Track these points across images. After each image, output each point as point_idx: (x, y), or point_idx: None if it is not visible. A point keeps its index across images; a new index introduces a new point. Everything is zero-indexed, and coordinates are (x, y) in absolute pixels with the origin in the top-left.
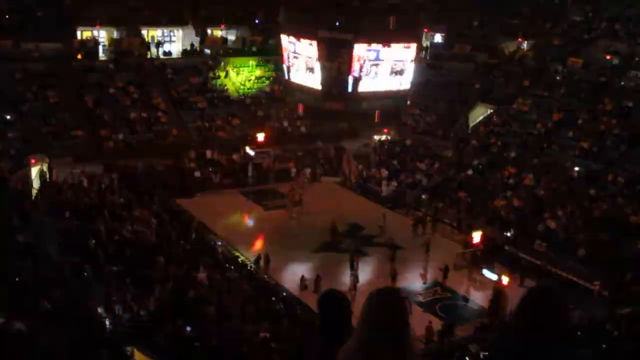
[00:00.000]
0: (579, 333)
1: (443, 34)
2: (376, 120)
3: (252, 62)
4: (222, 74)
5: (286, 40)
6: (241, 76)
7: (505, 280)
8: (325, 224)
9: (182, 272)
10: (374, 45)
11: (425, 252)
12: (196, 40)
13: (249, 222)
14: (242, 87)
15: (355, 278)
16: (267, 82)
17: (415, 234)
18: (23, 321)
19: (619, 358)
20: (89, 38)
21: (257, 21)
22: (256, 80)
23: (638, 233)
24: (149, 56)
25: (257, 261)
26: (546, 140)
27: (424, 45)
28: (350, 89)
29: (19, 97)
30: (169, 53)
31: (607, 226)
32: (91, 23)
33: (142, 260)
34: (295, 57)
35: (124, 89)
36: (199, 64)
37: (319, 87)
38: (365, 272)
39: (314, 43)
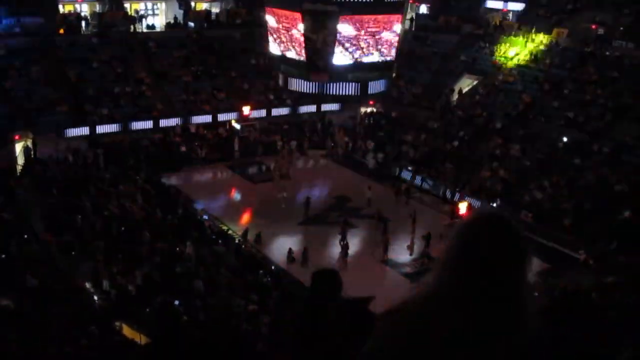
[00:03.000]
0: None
1: (428, 5)
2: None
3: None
4: None
5: (270, 13)
6: None
7: None
8: (311, 197)
9: (168, 246)
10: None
11: (411, 223)
12: (180, 14)
13: (236, 195)
14: None
15: (345, 248)
16: (252, 55)
17: (399, 205)
18: (10, 298)
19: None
20: (71, 12)
21: None
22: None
23: (622, 202)
24: (132, 30)
25: (244, 234)
26: (532, 111)
27: (409, 16)
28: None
29: (1, 73)
30: (153, 26)
31: (592, 195)
32: None
33: (128, 235)
34: (279, 29)
35: (107, 63)
36: (183, 38)
37: (303, 58)
38: (354, 244)
39: (298, 15)
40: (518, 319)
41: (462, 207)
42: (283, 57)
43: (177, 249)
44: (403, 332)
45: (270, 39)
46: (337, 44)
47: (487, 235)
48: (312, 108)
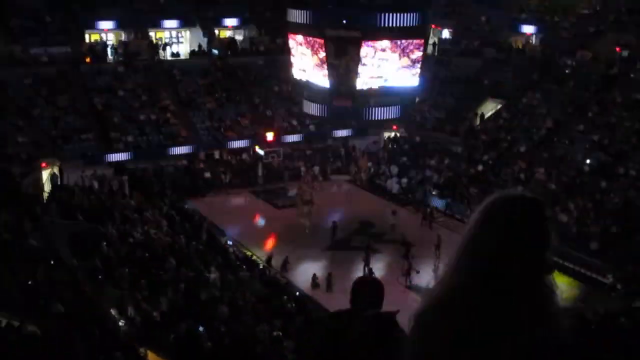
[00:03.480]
0: (592, 327)
1: (450, 30)
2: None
3: None
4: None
5: (293, 39)
6: None
7: None
8: (335, 222)
9: (193, 273)
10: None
11: (435, 249)
12: (204, 41)
13: (260, 221)
14: None
15: (369, 273)
16: (275, 82)
17: (424, 230)
18: (37, 324)
19: (633, 351)
20: (97, 41)
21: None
22: None
23: None
24: (157, 58)
25: (268, 260)
26: (556, 134)
27: (432, 41)
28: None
29: (28, 102)
30: (177, 54)
31: (618, 218)
32: (99, 27)
33: (153, 262)
34: (302, 55)
35: (132, 91)
36: (207, 65)
37: (327, 84)
38: (378, 270)
39: (321, 42)
40: (531, 317)
41: None
42: (306, 83)
43: (202, 275)
44: (419, 336)
45: (294, 65)
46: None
47: (513, 211)
48: (336, 133)
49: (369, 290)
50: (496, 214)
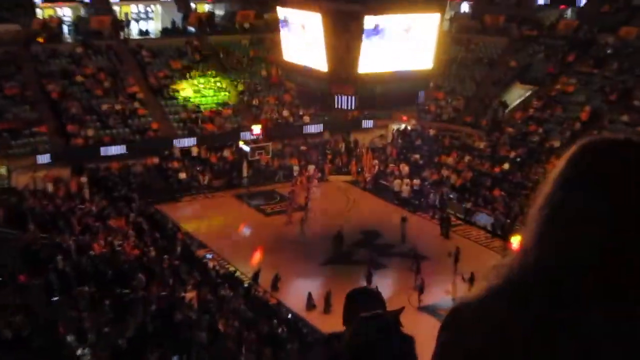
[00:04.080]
0: None
1: (470, 3)
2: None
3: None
4: None
5: (284, 14)
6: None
7: None
8: (334, 231)
9: (166, 291)
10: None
11: (453, 262)
12: (178, 17)
13: (245, 230)
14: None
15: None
16: (262, 65)
17: (440, 240)
18: None
19: None
20: (51, 17)
21: None
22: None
23: None
24: (122, 37)
25: (255, 277)
26: (595, 126)
27: (448, 16)
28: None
29: None
30: (146, 33)
31: None
32: None
33: (119, 279)
34: (295, 33)
35: (93, 77)
36: (182, 45)
37: (324, 68)
38: (384, 287)
39: (318, 16)
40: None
41: (515, 242)
42: (299, 67)
43: (176, 294)
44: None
45: (285, 44)
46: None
47: (625, 161)
48: (334, 126)
49: (365, 302)
50: (599, 165)
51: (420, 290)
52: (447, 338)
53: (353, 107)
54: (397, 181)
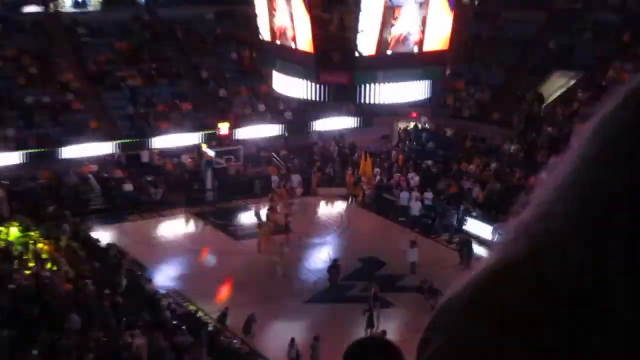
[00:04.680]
0: None
1: None
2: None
3: None
4: None
5: None
6: None
7: None
8: (325, 259)
9: (108, 336)
10: None
11: None
12: None
13: (210, 258)
14: None
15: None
16: (232, 46)
17: (461, 271)
18: None
19: None
20: None
21: None
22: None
23: None
24: (52, 9)
25: (222, 318)
26: None
27: None
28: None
29: None
30: (84, 4)
31: None
32: None
33: (47, 319)
34: (273, 4)
35: (15, 61)
36: (128, 21)
37: (310, 49)
38: (390, 331)
39: None
40: None
41: None
42: (279, 48)
43: (121, 340)
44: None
45: (261, 19)
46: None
47: None
48: (325, 124)
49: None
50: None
51: None
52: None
53: (350, 101)
54: (404, 194)
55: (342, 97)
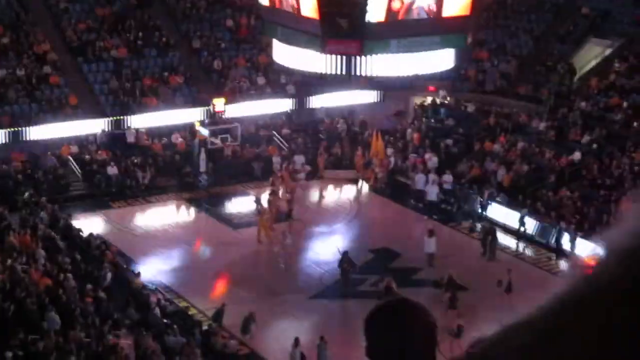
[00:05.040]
0: None
1: None
2: None
3: None
4: None
5: None
6: None
7: None
8: (333, 252)
9: (91, 337)
10: None
11: (504, 291)
12: None
13: (204, 249)
14: None
15: None
16: (227, 12)
17: (484, 262)
18: None
19: None
20: None
21: None
22: None
23: None
24: None
25: (217, 316)
26: None
27: None
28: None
29: None
30: None
31: None
32: None
33: (23, 318)
34: None
35: None
36: None
37: (314, 14)
38: None
39: None
40: None
41: (589, 263)
42: (280, 13)
43: (105, 341)
44: None
45: None
46: None
47: None
48: (331, 99)
49: (402, 329)
50: None
51: (457, 334)
52: None
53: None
54: (421, 177)
55: (351, 68)
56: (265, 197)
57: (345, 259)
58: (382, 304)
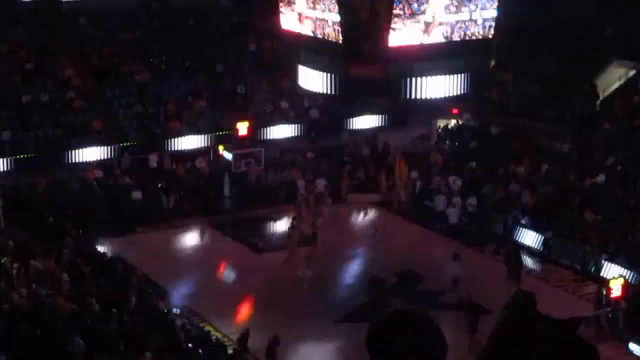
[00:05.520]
0: None
1: None
2: None
3: None
4: None
5: None
6: None
7: None
8: (355, 276)
9: None
10: None
11: None
12: None
13: (228, 274)
14: None
15: None
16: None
17: (510, 285)
18: None
19: None
20: None
21: None
22: None
23: None
24: None
25: (242, 341)
26: None
27: None
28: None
29: None
30: None
31: None
32: None
33: (48, 342)
34: None
35: (11, 54)
36: (135, 9)
37: (338, 39)
38: None
39: None
40: None
41: (616, 286)
42: (303, 39)
43: None
44: None
45: (282, 6)
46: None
47: None
48: (356, 123)
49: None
50: None
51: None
52: None
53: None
54: (441, 198)
55: (374, 92)
56: (289, 221)
57: (374, 280)
58: (383, 318)
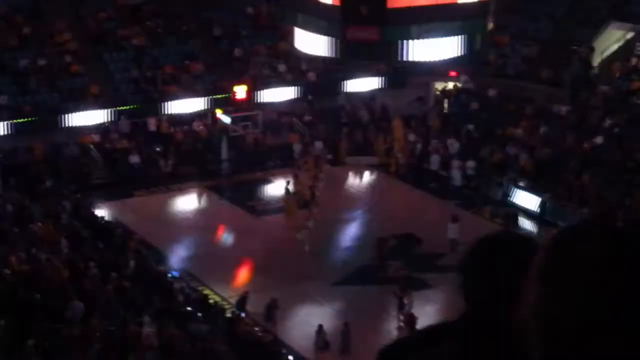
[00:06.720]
0: None
1: None
2: None
3: None
4: None
5: None
6: None
7: None
8: (353, 239)
9: (114, 324)
10: None
11: None
12: None
13: (226, 237)
14: None
15: (410, 322)
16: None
17: None
18: None
19: None
20: None
21: None
22: None
23: None
24: None
25: (241, 303)
26: None
27: None
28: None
29: None
30: None
31: None
32: None
33: (46, 307)
34: None
35: (5, 20)
36: None
37: (335, 2)
38: (426, 316)
39: None
40: None
41: None
42: (301, 1)
43: (128, 329)
44: None
45: None
46: None
47: None
48: (353, 86)
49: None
50: None
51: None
52: None
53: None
54: (435, 158)
55: (371, 55)
56: (287, 184)
57: (382, 242)
58: (396, 342)
